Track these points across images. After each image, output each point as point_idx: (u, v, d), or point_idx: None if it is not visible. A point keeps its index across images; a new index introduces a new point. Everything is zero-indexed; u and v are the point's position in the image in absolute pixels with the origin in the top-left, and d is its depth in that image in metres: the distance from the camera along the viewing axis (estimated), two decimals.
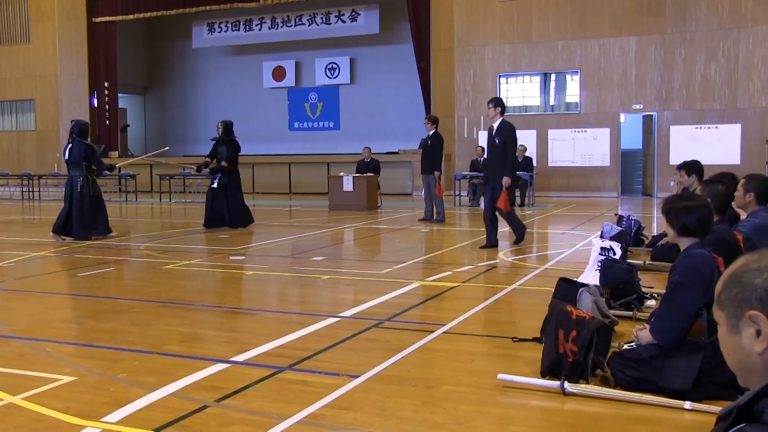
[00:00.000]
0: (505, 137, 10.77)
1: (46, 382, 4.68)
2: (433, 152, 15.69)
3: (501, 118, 10.90)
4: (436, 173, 15.64)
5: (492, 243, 11.00)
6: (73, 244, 12.15)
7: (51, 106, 30.13)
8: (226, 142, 14.65)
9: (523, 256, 10.54)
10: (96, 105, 30.28)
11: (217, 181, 14.50)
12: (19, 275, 9.36)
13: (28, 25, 30.44)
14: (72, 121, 13.25)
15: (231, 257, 10.50)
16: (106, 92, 30.44)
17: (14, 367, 5.04)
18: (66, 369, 4.97)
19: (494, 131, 10.95)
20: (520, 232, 11.37)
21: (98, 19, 30.14)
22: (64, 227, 12.51)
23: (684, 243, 4.60)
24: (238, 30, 31.42)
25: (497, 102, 11.06)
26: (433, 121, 16.07)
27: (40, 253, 11.20)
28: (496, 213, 10.98)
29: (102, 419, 3.99)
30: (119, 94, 31.36)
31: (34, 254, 11.05)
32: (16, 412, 4.16)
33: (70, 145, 12.78)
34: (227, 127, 14.78)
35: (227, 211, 14.37)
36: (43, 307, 7.37)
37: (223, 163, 14.53)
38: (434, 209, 15.59)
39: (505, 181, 10.66)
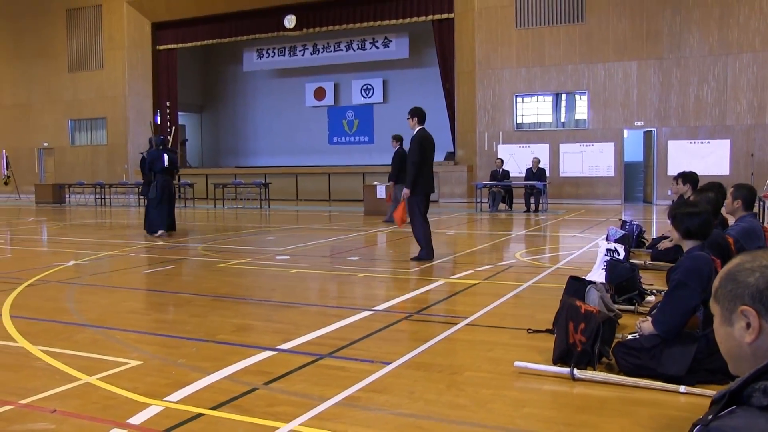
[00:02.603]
0: (410, 148, 9.58)
1: (116, 365, 4.74)
2: (397, 165, 15.60)
3: (418, 128, 9.64)
4: (396, 185, 15.64)
5: (423, 255, 9.66)
6: (139, 244, 12.30)
7: (120, 123, 30.52)
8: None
9: (537, 256, 10.48)
10: (159, 122, 30.64)
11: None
12: (92, 272, 9.48)
13: (102, 53, 30.88)
14: (160, 135, 13.69)
15: (277, 257, 10.52)
16: (168, 110, 30.81)
17: (89, 351, 5.11)
18: (133, 354, 5.02)
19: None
20: (424, 253, 9.65)
21: (161, 47, 30.54)
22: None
23: (687, 245, 4.57)
24: (284, 55, 31.60)
25: (413, 112, 9.74)
26: (398, 139, 16.14)
27: (110, 252, 11.33)
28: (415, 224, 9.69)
29: (165, 398, 4.04)
30: (179, 112, 31.71)
31: (105, 253, 11.18)
32: (92, 391, 4.22)
33: (166, 156, 13.35)
34: (149, 143, 14.42)
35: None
36: (112, 300, 7.46)
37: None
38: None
39: (404, 192, 9.56)
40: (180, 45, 30.29)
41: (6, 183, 30.34)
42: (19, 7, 32.51)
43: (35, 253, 11.82)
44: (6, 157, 31.20)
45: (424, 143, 9.54)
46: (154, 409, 3.88)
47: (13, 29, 32.86)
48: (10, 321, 6.16)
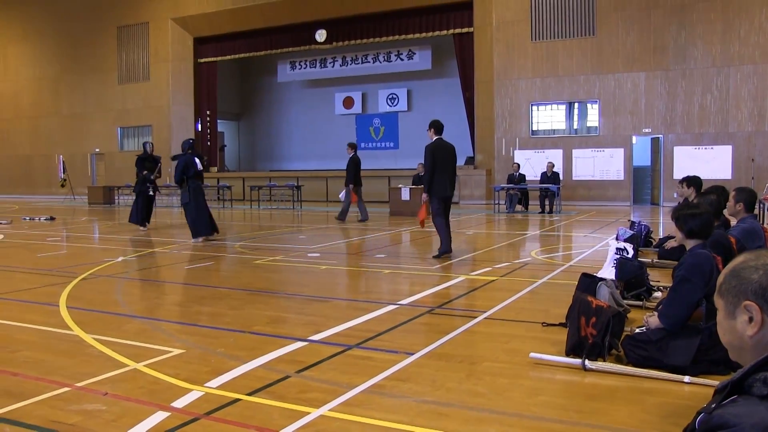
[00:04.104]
0: (425, 157, 9.75)
1: (161, 353, 4.79)
2: (353, 170, 16.66)
3: (435, 138, 9.83)
4: (350, 186, 16.63)
5: (442, 250, 9.92)
6: (181, 242, 12.39)
7: (164, 130, 30.79)
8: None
9: (551, 255, 10.42)
10: (200, 129, 30.87)
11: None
12: (138, 267, 9.59)
13: (149, 66, 31.19)
14: (189, 139, 13.14)
15: (308, 254, 10.53)
16: (208, 119, 31.01)
17: (136, 340, 5.17)
18: (176, 343, 5.08)
19: None
20: (443, 248, 9.90)
21: (202, 60, 30.76)
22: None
23: (690, 244, 4.54)
24: (315, 67, 31.70)
25: (431, 125, 9.95)
26: (352, 146, 17.06)
27: (155, 249, 11.44)
28: (438, 222, 9.92)
29: (205, 384, 4.08)
30: (218, 120, 31.91)
31: (150, 250, 11.29)
32: (139, 376, 4.27)
33: (198, 159, 12.99)
34: (143, 147, 16.05)
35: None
36: (157, 293, 7.55)
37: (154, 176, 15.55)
38: (362, 211, 16.82)
39: (423, 196, 9.91)
40: (219, 58, 30.49)
41: (62, 185, 30.84)
42: (77, 26, 33.02)
43: (88, 249, 11.96)
44: (63, 161, 31.68)
45: (435, 152, 9.77)
46: (195, 394, 3.92)
47: (72, 46, 33.34)
48: (66, 311, 6.26)
